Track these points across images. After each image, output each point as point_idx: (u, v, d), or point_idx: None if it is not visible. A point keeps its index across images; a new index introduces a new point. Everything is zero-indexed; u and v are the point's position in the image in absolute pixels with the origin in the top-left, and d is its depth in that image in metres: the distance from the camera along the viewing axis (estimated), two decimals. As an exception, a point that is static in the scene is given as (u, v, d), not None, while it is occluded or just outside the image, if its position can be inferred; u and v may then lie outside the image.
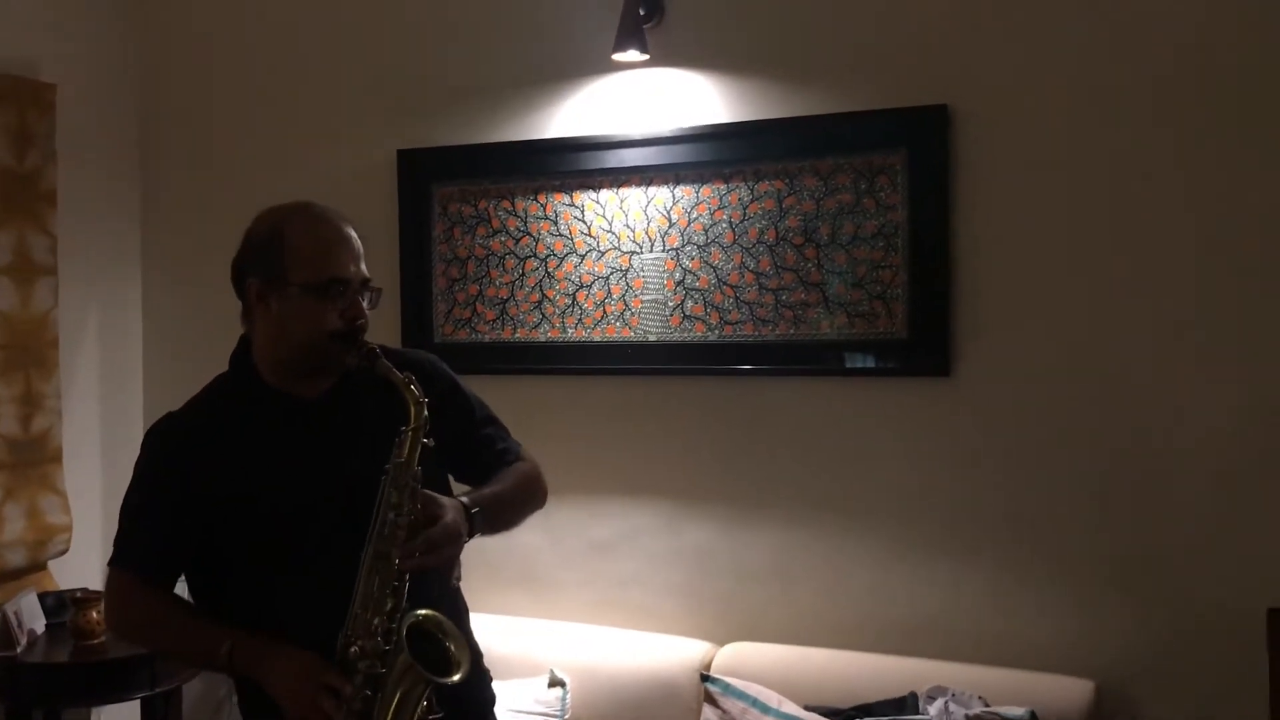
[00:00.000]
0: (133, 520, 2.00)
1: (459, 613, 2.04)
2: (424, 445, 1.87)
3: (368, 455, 1.89)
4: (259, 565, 1.91)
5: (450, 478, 2.11)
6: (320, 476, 1.92)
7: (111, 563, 2.01)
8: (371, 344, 1.92)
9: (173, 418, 2.03)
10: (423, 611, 1.83)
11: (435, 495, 1.87)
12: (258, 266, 1.94)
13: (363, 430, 1.94)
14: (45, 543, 3.45)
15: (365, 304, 1.95)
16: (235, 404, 2.01)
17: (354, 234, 1.97)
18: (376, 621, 1.80)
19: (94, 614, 3.25)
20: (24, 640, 3.18)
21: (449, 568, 1.91)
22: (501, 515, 2.04)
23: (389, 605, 1.81)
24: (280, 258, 1.91)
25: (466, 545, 1.90)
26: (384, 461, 1.86)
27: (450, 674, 1.81)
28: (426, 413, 1.87)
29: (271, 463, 1.94)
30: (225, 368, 2.09)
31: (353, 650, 1.80)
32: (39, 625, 3.29)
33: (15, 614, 3.19)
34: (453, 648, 1.85)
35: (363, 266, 1.96)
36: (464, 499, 1.93)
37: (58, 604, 3.36)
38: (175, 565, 2.00)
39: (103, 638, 3.26)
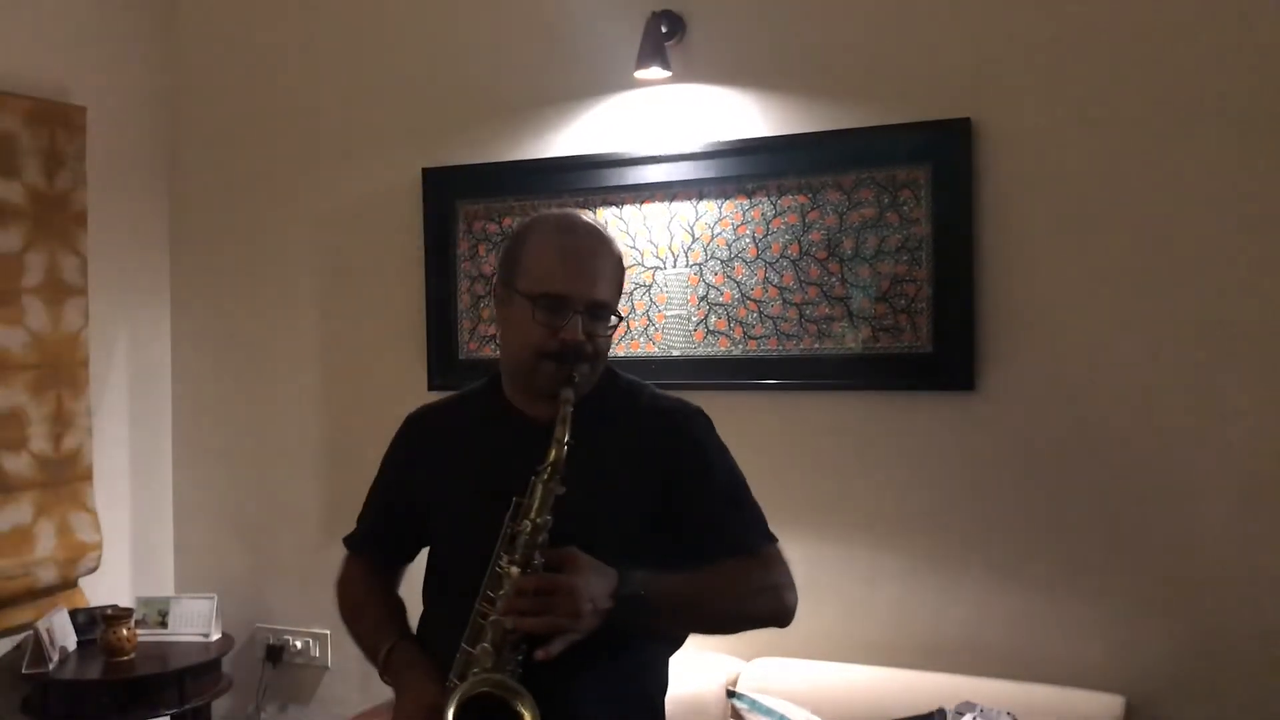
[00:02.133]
0: (366, 502, 2.05)
1: (630, 691, 1.83)
2: (557, 494, 1.69)
3: (576, 496, 1.71)
4: (438, 576, 1.91)
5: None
6: (504, 506, 1.74)
7: (344, 540, 2.07)
8: (573, 370, 1.75)
9: (425, 410, 2.03)
10: (485, 677, 1.65)
11: (574, 554, 1.66)
12: (501, 267, 1.86)
13: (583, 468, 1.73)
14: (76, 560, 3.49)
15: (599, 329, 1.78)
16: (476, 409, 1.95)
17: (606, 254, 1.80)
18: (474, 670, 1.67)
19: (124, 631, 3.28)
20: (56, 657, 3.21)
21: (562, 638, 1.63)
22: (688, 611, 1.78)
23: (489, 660, 1.66)
24: (517, 261, 1.81)
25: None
26: (594, 507, 1.73)
27: None
28: (562, 456, 1.69)
29: (475, 477, 1.85)
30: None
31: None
32: (70, 642, 3.32)
33: (47, 631, 3.23)
34: (525, 713, 1.63)
35: (600, 290, 1.78)
36: (628, 576, 1.68)
37: (89, 621, 3.39)
38: (392, 551, 2.02)
39: (132, 655, 3.29)
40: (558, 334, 1.74)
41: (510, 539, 1.70)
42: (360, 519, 2.06)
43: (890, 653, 2.96)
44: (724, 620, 1.89)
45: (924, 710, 2.70)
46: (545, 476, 1.70)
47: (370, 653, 1.89)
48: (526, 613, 1.62)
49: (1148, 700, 2.73)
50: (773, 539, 1.89)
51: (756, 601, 1.84)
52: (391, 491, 2.01)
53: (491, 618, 1.67)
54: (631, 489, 1.81)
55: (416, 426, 2.01)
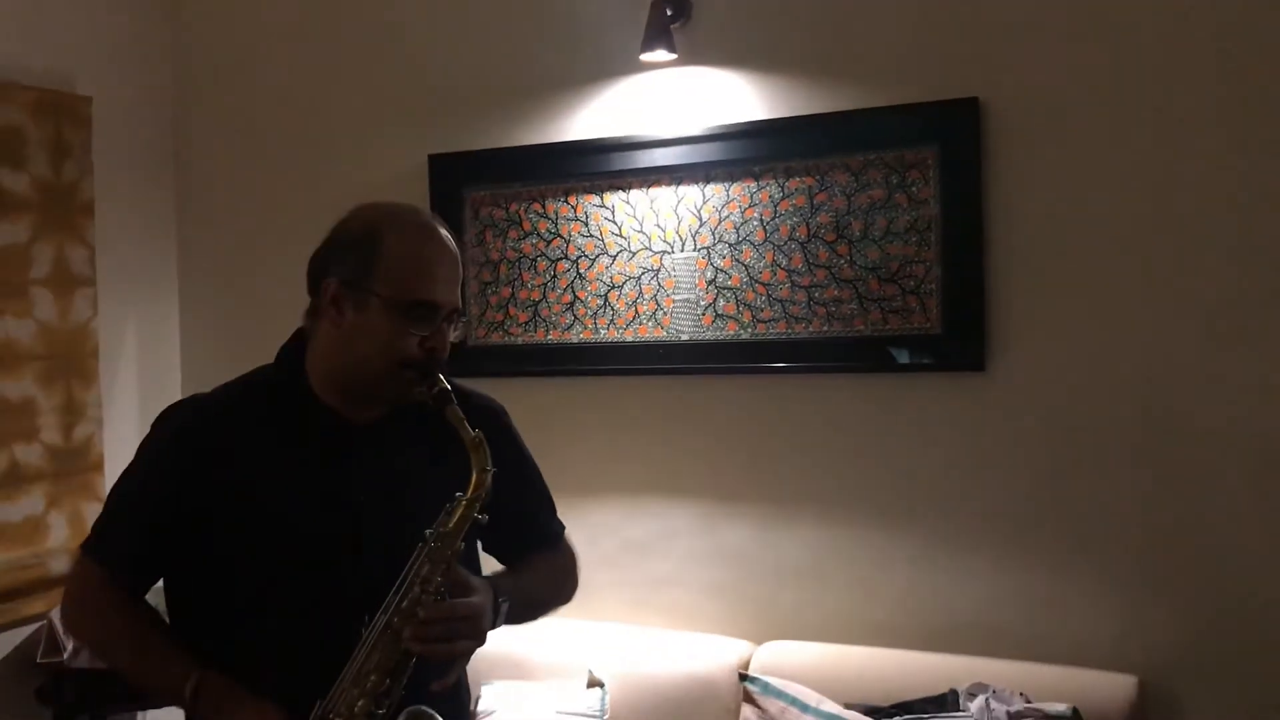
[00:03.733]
0: (119, 508, 1.77)
1: (460, 708, 1.83)
2: (476, 520, 1.65)
3: (405, 504, 1.67)
4: (245, 597, 1.68)
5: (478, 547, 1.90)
6: (341, 515, 1.69)
7: (82, 547, 1.77)
8: (444, 382, 1.68)
9: (197, 403, 1.80)
10: (419, 708, 1.60)
11: (469, 578, 1.65)
12: (343, 265, 1.73)
13: (409, 474, 1.72)
14: (89, 550, 3.50)
15: (450, 334, 1.73)
16: (270, 407, 1.77)
17: (457, 258, 1.76)
18: (361, 703, 1.59)
19: (137, 620, 3.29)
20: (70, 647, 3.22)
21: (459, 662, 1.65)
22: (527, 611, 1.85)
23: (381, 687, 1.59)
24: (371, 262, 1.70)
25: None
26: (421, 514, 1.64)
27: None
28: (489, 484, 1.65)
29: (290, 485, 1.70)
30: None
31: None
32: (84, 631, 3.33)
33: (60, 621, 3.24)
34: None
35: (459, 296, 1.74)
36: (495, 586, 1.70)
37: (102, 610, 3.40)
38: (152, 570, 1.76)
39: (146, 643, 3.30)
40: (423, 343, 1.68)
41: (426, 574, 1.62)
42: (110, 528, 1.75)
43: (902, 634, 2.96)
44: (549, 610, 1.95)
45: (936, 691, 2.71)
46: (466, 505, 1.64)
47: (163, 686, 1.70)
48: (438, 639, 1.59)
49: (1160, 679, 2.73)
50: (563, 525, 2.01)
51: (565, 591, 1.99)
52: (166, 501, 1.71)
53: (391, 647, 1.60)
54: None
55: (196, 426, 1.76)
